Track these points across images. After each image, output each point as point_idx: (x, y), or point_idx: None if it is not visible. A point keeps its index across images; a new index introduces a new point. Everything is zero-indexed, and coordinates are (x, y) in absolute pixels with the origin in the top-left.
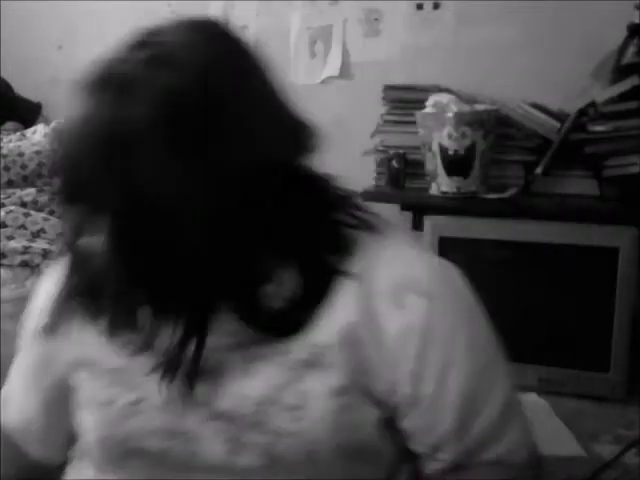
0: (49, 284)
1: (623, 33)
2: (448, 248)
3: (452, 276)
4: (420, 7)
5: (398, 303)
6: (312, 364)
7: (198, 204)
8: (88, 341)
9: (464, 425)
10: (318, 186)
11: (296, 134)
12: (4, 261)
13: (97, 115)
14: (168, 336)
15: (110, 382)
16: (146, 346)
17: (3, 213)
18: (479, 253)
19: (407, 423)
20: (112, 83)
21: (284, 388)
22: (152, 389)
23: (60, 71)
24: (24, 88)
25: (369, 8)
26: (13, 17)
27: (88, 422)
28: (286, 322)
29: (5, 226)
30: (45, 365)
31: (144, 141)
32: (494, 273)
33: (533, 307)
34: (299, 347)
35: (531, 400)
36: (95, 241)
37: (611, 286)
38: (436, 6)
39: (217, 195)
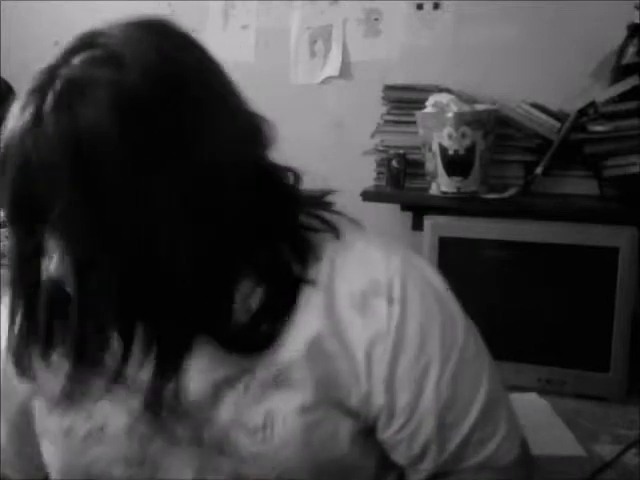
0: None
1: (623, 33)
2: (448, 248)
3: (421, 276)
4: (420, 7)
5: (364, 310)
6: (278, 382)
7: (166, 208)
8: (40, 370)
9: (445, 432)
10: (280, 185)
11: (256, 129)
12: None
13: (45, 122)
14: (135, 363)
15: (66, 410)
16: (116, 377)
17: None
18: (479, 253)
19: (385, 435)
20: (57, 87)
21: (250, 409)
22: (112, 415)
23: None
24: (24, 88)
25: (369, 8)
26: (13, 17)
27: (49, 451)
28: (251, 338)
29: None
30: (5, 394)
31: (100, 145)
32: (494, 273)
33: (533, 307)
34: (264, 365)
35: (531, 400)
36: (47, 264)
37: (611, 286)
38: (436, 6)
39: (185, 200)
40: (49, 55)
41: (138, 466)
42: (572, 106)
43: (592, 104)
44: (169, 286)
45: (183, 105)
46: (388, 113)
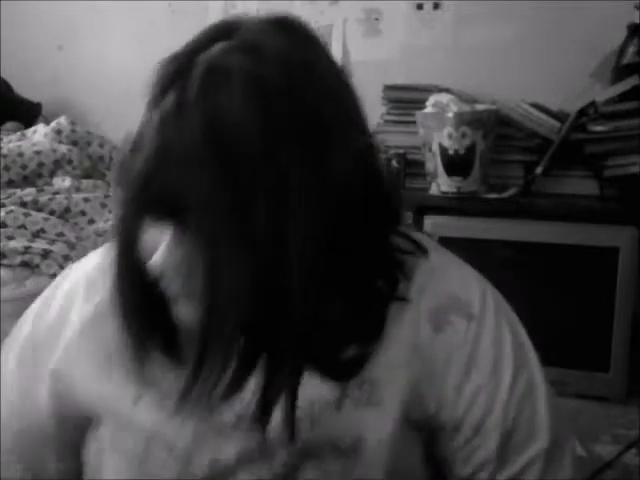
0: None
1: (623, 33)
2: (448, 248)
3: (496, 297)
4: (420, 7)
5: (442, 326)
6: (370, 402)
7: (297, 203)
8: (115, 389)
9: (506, 455)
10: (383, 203)
11: (371, 139)
12: (4, 261)
13: (187, 110)
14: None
15: (146, 438)
16: (230, 395)
17: (3, 213)
18: (479, 253)
19: (445, 449)
20: (198, 73)
21: (342, 429)
22: (199, 445)
23: (60, 71)
24: (24, 88)
25: (369, 8)
26: (13, 17)
27: (112, 467)
28: (343, 364)
29: (5, 226)
30: (64, 399)
31: (240, 134)
32: (494, 273)
33: (533, 307)
34: (356, 383)
35: None
36: (166, 258)
37: (611, 286)
38: (436, 6)
39: (313, 197)
40: (49, 56)
41: None
42: (572, 106)
43: (592, 104)
44: (292, 292)
45: (317, 101)
46: (388, 113)
